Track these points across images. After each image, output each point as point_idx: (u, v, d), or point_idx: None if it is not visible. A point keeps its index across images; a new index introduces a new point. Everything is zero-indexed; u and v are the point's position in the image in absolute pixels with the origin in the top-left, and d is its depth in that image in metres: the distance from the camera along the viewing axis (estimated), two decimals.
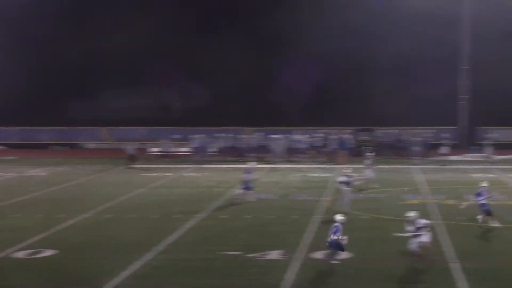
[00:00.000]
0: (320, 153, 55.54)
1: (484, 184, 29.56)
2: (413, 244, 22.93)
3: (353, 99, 60.72)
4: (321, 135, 57.46)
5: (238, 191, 36.42)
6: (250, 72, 60.53)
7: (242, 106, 61.32)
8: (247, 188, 35.69)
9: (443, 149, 54.19)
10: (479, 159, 54.23)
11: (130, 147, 52.83)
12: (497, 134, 57.78)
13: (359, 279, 21.70)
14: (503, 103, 57.81)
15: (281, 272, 22.15)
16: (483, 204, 29.11)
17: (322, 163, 52.85)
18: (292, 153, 55.14)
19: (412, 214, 23.22)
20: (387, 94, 58.77)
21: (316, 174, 46.16)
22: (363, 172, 40.12)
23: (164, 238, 26.91)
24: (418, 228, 22.91)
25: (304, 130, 58.58)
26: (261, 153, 55.46)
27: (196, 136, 55.99)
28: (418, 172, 46.78)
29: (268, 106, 61.02)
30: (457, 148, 57.70)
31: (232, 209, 33.53)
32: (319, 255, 24.17)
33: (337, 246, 22.75)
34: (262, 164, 50.90)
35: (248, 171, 36.07)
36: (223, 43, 62.27)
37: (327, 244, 22.88)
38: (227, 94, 62.22)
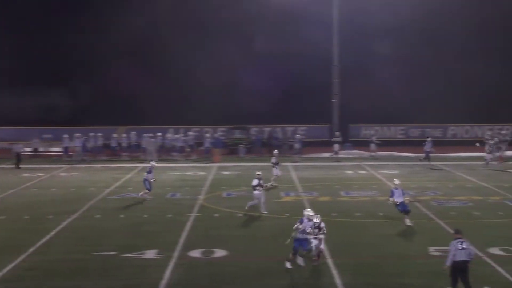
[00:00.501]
0: (195, 151, 55.37)
1: (397, 182, 29.38)
2: (311, 245, 22.68)
3: (228, 96, 60.69)
4: (195, 133, 57.26)
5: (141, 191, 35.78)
6: (122, 71, 59.58)
7: (116, 105, 60.30)
8: (148, 187, 35.42)
9: (336, 147, 54.46)
10: (353, 155, 55.23)
11: (17, 147, 51.00)
12: (371, 131, 58.92)
13: (235, 276, 21.67)
14: (374, 101, 59.02)
15: (157, 271, 21.87)
16: (400, 204, 28.80)
17: (197, 161, 52.70)
18: (166, 152, 54.72)
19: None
20: (259, 92, 59.01)
21: (191, 173, 45.97)
22: (272, 171, 40.14)
23: (36, 239, 26.15)
24: (315, 229, 22.74)
25: (178, 129, 58.14)
26: (134, 152, 54.85)
27: (66, 135, 54.73)
28: (292, 169, 47.22)
29: (142, 104, 60.23)
30: (330, 145, 58.48)
31: (105, 209, 32.95)
32: (195, 253, 24.03)
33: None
34: (134, 163, 50.41)
35: (149, 170, 35.69)
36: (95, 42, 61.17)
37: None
38: (103, 94, 61.11)
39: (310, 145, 56.79)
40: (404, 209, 28.79)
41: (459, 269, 18.93)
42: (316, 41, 58.80)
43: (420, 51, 60.15)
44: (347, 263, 22.89)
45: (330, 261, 23.03)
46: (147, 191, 35.38)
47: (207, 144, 54.99)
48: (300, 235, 22.30)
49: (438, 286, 20.47)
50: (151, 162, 37.51)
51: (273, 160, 40.47)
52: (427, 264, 23.06)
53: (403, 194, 29.17)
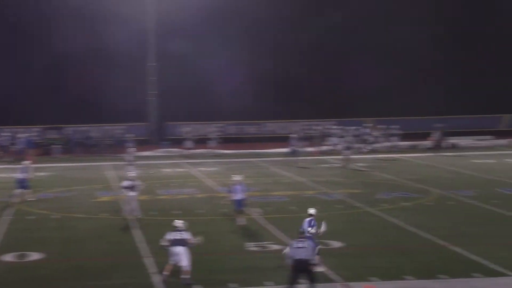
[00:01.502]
0: (8, 152, 53.44)
1: (238, 178, 28.85)
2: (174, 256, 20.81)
3: (42, 96, 58.86)
4: (8, 134, 55.31)
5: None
6: None
7: None
8: (23, 187, 33.79)
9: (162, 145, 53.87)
10: (171, 154, 55.05)
11: None
12: (188, 128, 58.90)
13: (51, 278, 21.06)
14: (190, 99, 59.11)
15: None
16: (236, 201, 28.34)
17: (10, 162, 50.85)
18: None
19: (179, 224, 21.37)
20: (74, 91, 57.82)
21: (4, 175, 44.25)
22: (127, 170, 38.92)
23: None
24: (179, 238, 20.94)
25: None
26: None
27: None
28: (109, 169, 46.49)
29: None
30: (148, 143, 58.15)
31: None
32: (8, 257, 23.21)
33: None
34: None
35: (23, 170, 34.11)
36: None
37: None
38: None
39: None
40: (238, 207, 28.38)
41: (298, 269, 18.72)
42: (130, 38, 58.09)
43: (232, 47, 60.57)
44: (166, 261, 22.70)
45: (150, 260, 22.78)
46: (25, 190, 33.77)
47: (19, 145, 53.17)
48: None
49: (255, 281, 20.69)
50: (25, 162, 35.78)
51: (127, 157, 39.55)
52: (244, 259, 23.28)
53: (243, 190, 28.56)
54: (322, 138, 56.56)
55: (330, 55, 61.69)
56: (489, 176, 41.47)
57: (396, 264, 22.32)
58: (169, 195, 36.14)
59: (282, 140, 55.20)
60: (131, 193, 29.90)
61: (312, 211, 22.64)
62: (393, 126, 57.68)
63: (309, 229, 21.95)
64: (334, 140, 55.42)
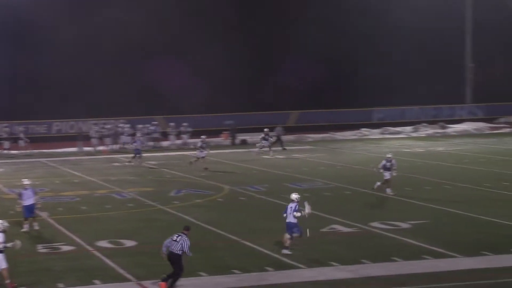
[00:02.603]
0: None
1: (27, 182, 27.35)
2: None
3: None
4: None
5: None
6: None
7: None
8: None
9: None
10: None
11: None
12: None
13: None
14: None
15: None
16: (25, 207, 26.74)
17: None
18: None
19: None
20: None
21: None
22: None
23: None
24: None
25: None
26: None
27: None
28: None
29: None
30: None
31: None
32: None
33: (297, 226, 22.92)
34: None
35: None
36: None
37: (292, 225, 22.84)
38: None
39: None
40: (28, 214, 26.80)
41: (170, 260, 19.71)
42: None
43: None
44: None
45: None
46: None
47: None
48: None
49: (47, 283, 20.26)
50: None
51: None
52: (35, 262, 22.65)
53: (32, 195, 26.97)
54: (113, 136, 55.85)
55: (108, 55, 61.18)
56: (279, 171, 42.50)
57: (190, 261, 22.31)
58: None
59: (71, 139, 54.10)
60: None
61: (294, 196, 23.46)
62: (184, 124, 57.94)
63: (295, 213, 22.90)
64: (125, 138, 54.95)
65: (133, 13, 61.33)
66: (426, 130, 65.20)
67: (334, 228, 26.69)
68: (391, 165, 33.12)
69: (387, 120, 68.14)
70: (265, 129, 50.64)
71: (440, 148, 52.90)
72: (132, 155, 46.81)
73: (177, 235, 19.92)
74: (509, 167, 41.85)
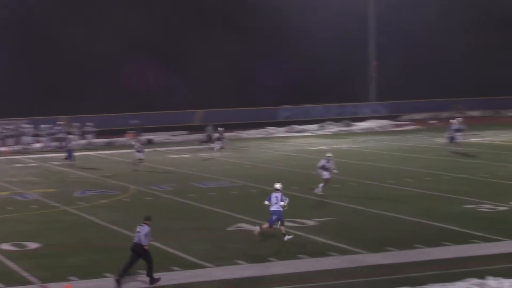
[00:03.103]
0: None
1: None
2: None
3: None
4: None
5: None
6: None
7: None
8: None
9: None
10: None
11: None
12: None
13: None
14: None
15: None
16: None
17: None
18: None
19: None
20: None
21: None
22: None
23: None
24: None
25: None
26: None
27: None
28: None
29: None
30: None
31: None
32: None
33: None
34: None
35: None
36: None
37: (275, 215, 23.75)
38: None
39: None
40: None
41: (133, 250, 19.89)
42: None
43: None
44: None
45: None
46: None
47: None
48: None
49: None
50: None
51: None
52: None
53: None
54: (15, 137, 54.69)
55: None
56: (185, 170, 42.33)
57: (95, 262, 22.01)
58: None
59: None
60: None
61: (278, 185, 24.31)
62: (88, 123, 57.17)
63: (281, 203, 23.99)
64: (28, 139, 53.88)
65: None
66: (332, 128, 66.03)
67: (241, 227, 26.69)
68: (329, 165, 32.80)
69: (292, 118, 68.73)
70: (220, 128, 49.73)
71: (345, 146, 53.59)
72: (64, 155, 45.68)
73: (139, 226, 19.93)
74: (412, 164, 42.66)
